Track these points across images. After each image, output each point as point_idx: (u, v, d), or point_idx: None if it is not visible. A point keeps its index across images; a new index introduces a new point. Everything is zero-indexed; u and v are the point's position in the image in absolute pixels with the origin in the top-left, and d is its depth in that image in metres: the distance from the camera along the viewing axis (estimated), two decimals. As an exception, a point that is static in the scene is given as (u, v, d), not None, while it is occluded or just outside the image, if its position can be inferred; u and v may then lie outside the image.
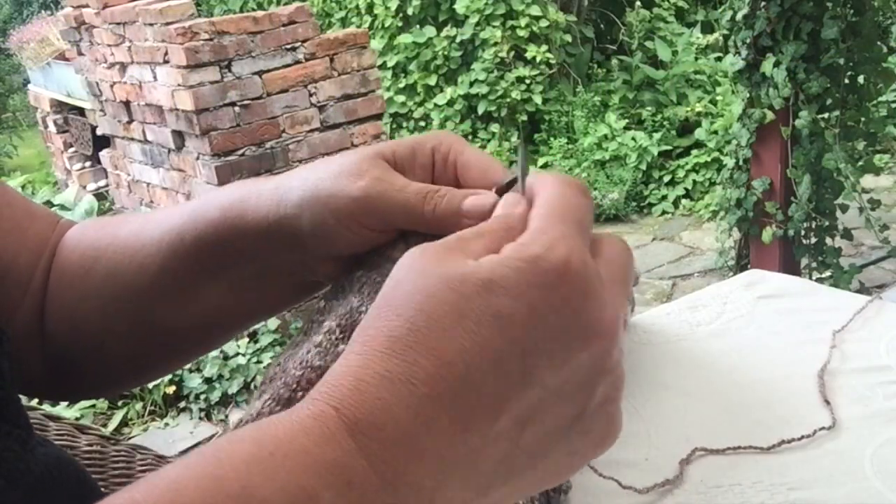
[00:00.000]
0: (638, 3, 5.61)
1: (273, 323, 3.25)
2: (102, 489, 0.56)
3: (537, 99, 5.33)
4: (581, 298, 0.32)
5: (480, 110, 5.33)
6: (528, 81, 5.31)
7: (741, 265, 3.15)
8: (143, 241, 0.51)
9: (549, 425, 0.33)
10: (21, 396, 0.45)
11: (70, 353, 0.54)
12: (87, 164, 5.28)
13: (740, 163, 3.02)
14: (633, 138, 4.87)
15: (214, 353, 3.09)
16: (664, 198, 4.70)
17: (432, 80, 5.45)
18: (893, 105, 3.91)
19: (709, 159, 4.71)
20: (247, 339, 3.24)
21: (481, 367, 0.31)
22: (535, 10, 5.30)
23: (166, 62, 3.41)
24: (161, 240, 0.50)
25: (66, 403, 2.82)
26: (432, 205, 0.41)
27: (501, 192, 0.41)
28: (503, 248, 0.34)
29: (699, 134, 4.88)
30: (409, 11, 5.52)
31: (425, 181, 0.44)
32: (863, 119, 2.78)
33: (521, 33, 5.30)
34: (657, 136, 4.91)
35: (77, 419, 2.04)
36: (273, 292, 0.50)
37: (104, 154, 4.67)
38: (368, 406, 0.30)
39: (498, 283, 0.31)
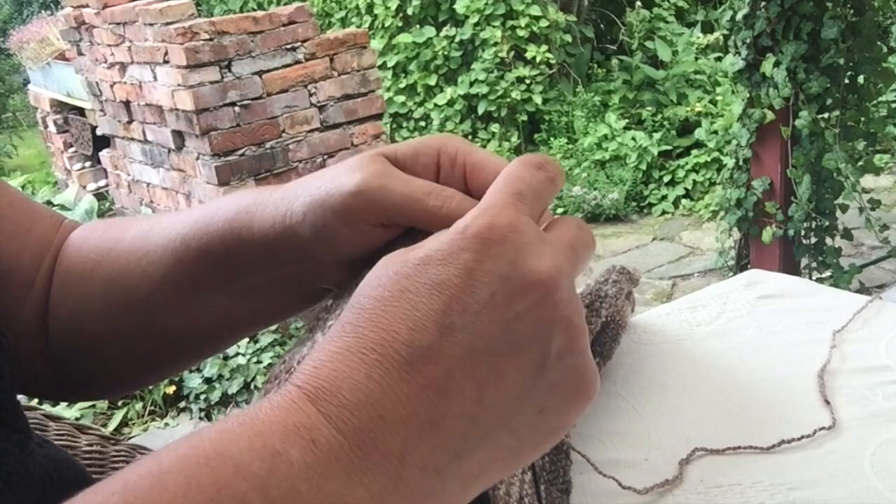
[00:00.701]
0: (638, 3, 5.61)
1: (273, 323, 3.25)
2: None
3: (537, 99, 5.33)
4: (513, 252, 0.34)
5: (480, 110, 5.33)
6: (528, 81, 5.31)
7: (741, 265, 3.16)
8: (148, 247, 0.50)
9: (508, 380, 0.34)
10: (20, 397, 0.45)
11: (73, 354, 0.54)
12: (87, 164, 5.28)
13: (740, 163, 3.02)
14: (633, 138, 4.87)
15: (214, 353, 3.09)
16: (664, 198, 4.70)
17: (432, 80, 5.45)
18: (893, 105, 3.91)
19: (709, 159, 4.71)
20: (247, 339, 3.24)
21: (424, 329, 0.32)
22: (535, 10, 5.31)
23: (166, 62, 3.41)
24: (165, 247, 0.49)
25: (66, 403, 2.82)
26: (440, 201, 0.42)
27: None
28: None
29: (699, 134, 4.88)
30: (409, 11, 5.52)
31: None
32: (863, 119, 2.78)
33: (521, 33, 5.30)
34: (657, 136, 4.91)
35: (77, 419, 2.04)
36: (280, 300, 0.50)
37: (104, 154, 4.67)
38: (324, 377, 0.32)
39: (433, 256, 0.34)
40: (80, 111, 5.07)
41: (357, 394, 0.31)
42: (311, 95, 3.55)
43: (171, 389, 3.10)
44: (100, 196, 5.01)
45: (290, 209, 0.45)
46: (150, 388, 3.08)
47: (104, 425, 3.01)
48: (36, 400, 0.63)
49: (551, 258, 0.35)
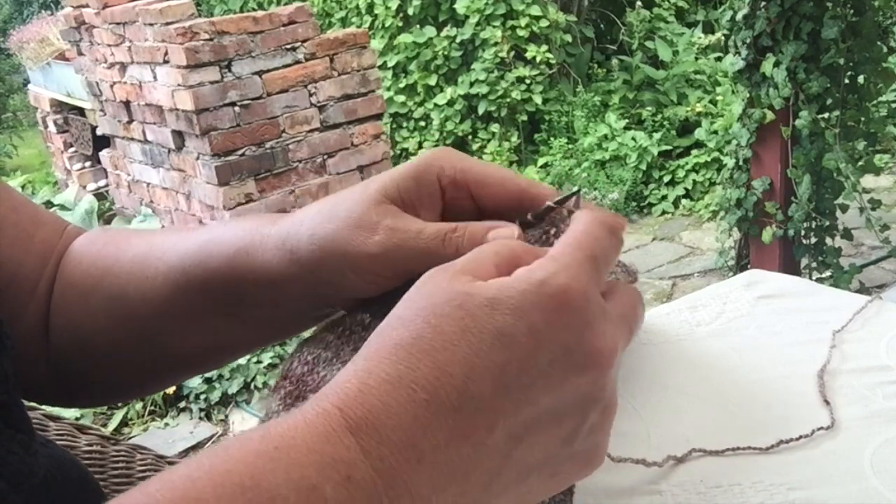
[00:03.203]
0: (638, 3, 5.61)
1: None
2: (103, 489, 0.56)
3: (537, 99, 5.33)
4: (581, 325, 0.34)
5: (480, 110, 5.33)
6: (528, 81, 5.31)
7: (741, 265, 3.15)
8: (147, 272, 0.50)
9: (540, 445, 0.34)
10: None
11: (74, 362, 0.54)
12: (87, 164, 5.28)
13: (740, 163, 3.02)
14: (633, 138, 4.87)
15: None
16: (664, 198, 4.70)
17: (432, 80, 5.45)
18: (893, 105, 3.91)
19: (709, 159, 4.71)
20: (247, 339, 3.24)
21: (481, 380, 0.32)
22: (535, 10, 5.30)
23: (166, 62, 3.41)
24: (166, 276, 0.49)
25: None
26: (454, 247, 0.41)
27: (537, 217, 0.41)
28: (514, 272, 0.35)
29: (699, 134, 4.87)
30: (410, 11, 5.52)
31: (436, 209, 0.43)
32: (863, 119, 2.78)
33: (521, 33, 5.30)
34: (657, 136, 4.91)
35: (77, 419, 2.04)
36: (287, 324, 0.50)
37: (104, 154, 4.67)
38: (369, 406, 0.31)
39: (502, 302, 0.33)
40: (80, 111, 5.07)
41: (400, 433, 0.31)
42: (311, 95, 3.55)
43: (172, 389, 3.10)
44: (100, 196, 5.01)
45: (294, 257, 0.44)
46: (150, 388, 3.07)
47: (104, 425, 3.01)
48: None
49: (612, 338, 0.35)
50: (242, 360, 3.13)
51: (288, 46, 3.46)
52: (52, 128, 5.45)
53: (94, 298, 0.52)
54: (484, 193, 0.43)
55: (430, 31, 5.46)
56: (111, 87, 4.07)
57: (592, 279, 0.35)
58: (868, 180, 3.09)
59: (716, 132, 4.63)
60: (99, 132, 4.60)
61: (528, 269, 0.34)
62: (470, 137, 5.42)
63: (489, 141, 5.35)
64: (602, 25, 6.14)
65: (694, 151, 4.85)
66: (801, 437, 0.59)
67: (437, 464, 0.31)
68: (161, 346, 0.51)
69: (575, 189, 0.41)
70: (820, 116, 2.77)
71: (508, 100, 5.27)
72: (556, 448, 0.35)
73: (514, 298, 0.33)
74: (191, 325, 0.50)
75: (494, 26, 5.28)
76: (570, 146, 5.12)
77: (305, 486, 0.29)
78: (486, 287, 0.34)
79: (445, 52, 5.39)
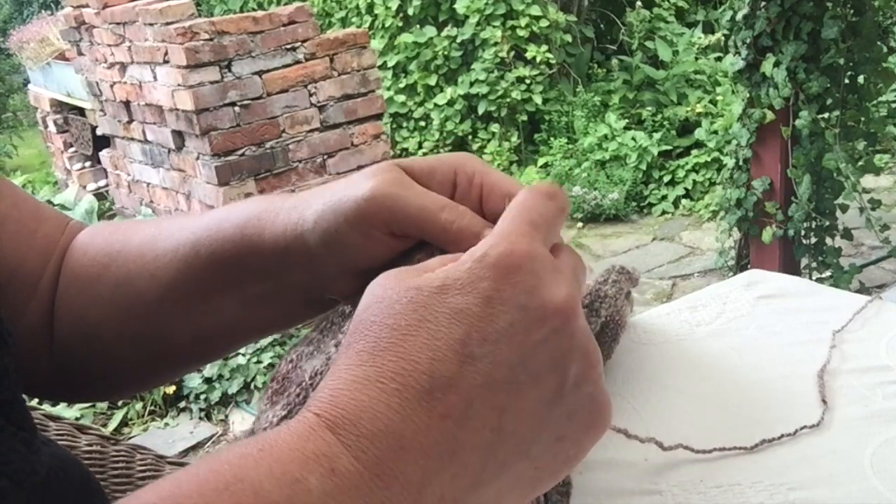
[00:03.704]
0: (638, 3, 5.61)
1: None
2: (104, 489, 0.56)
3: (537, 99, 5.33)
4: (530, 282, 0.34)
5: (480, 110, 5.33)
6: (528, 81, 5.31)
7: (741, 265, 3.16)
8: (157, 251, 0.50)
9: (527, 410, 0.34)
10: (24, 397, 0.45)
11: (78, 356, 0.54)
12: (87, 164, 5.28)
13: (740, 163, 3.02)
14: (633, 138, 4.87)
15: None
16: (664, 198, 4.70)
17: (432, 80, 5.45)
18: (893, 105, 3.91)
19: (709, 159, 4.71)
20: (247, 339, 3.24)
21: (445, 358, 0.32)
22: (535, 10, 5.30)
23: (166, 62, 3.41)
24: (175, 251, 0.49)
25: (65, 403, 2.82)
26: (453, 216, 0.41)
27: None
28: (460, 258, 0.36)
29: (699, 134, 4.87)
30: (410, 11, 5.52)
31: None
32: (863, 119, 2.78)
33: (521, 33, 5.30)
34: (657, 136, 4.91)
35: (77, 419, 2.04)
36: (287, 309, 0.50)
37: (104, 154, 4.67)
38: (343, 406, 0.32)
39: (451, 284, 0.34)
40: (80, 111, 5.07)
41: (377, 423, 0.31)
42: (311, 95, 3.55)
43: (171, 389, 3.10)
44: (100, 196, 5.01)
45: (301, 217, 0.45)
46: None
47: (104, 425, 3.01)
48: (36, 400, 0.63)
49: (567, 287, 0.35)
50: (242, 360, 3.13)
51: (288, 46, 3.46)
52: (52, 128, 5.45)
53: (101, 286, 0.52)
54: (492, 198, 0.44)
55: (430, 30, 5.46)
56: (111, 87, 4.07)
57: (535, 240, 0.36)
58: (868, 180, 3.09)
59: (716, 132, 4.63)
60: (99, 132, 4.60)
61: (471, 250, 0.35)
62: (470, 137, 5.42)
63: (489, 141, 5.35)
64: (602, 25, 6.14)
65: (694, 151, 4.85)
66: (782, 435, 0.59)
67: (423, 448, 0.31)
68: (163, 331, 0.52)
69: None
70: (820, 116, 2.77)
71: (508, 100, 5.27)
72: (547, 409, 0.34)
73: (462, 277, 0.34)
74: (195, 304, 0.50)
75: (494, 26, 5.28)
76: (570, 146, 5.12)
77: (289, 480, 0.30)
78: (433, 276, 0.35)
79: (445, 52, 5.39)
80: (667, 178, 4.78)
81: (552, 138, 5.27)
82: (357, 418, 0.31)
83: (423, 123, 5.54)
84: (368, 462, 0.31)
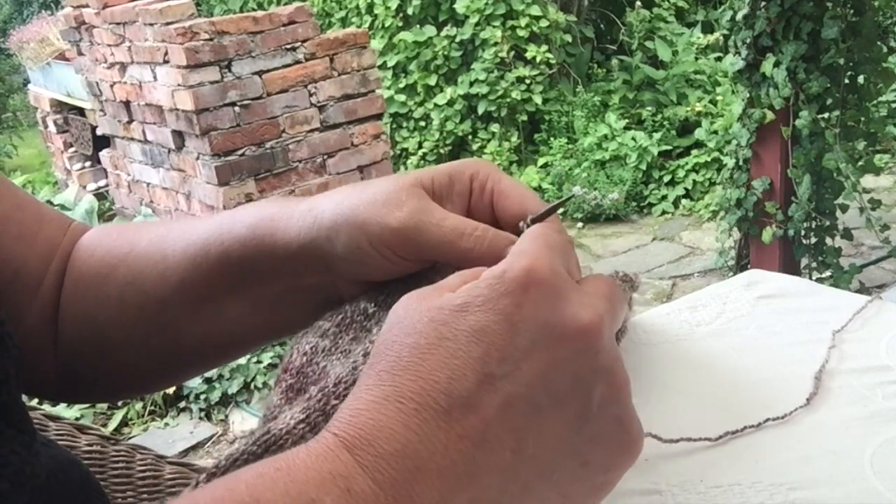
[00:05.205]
0: (638, 3, 5.61)
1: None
2: (104, 490, 0.56)
3: (537, 99, 5.33)
4: (553, 298, 0.33)
5: (480, 110, 5.33)
6: (528, 81, 5.31)
7: (741, 265, 3.16)
8: (166, 251, 0.50)
9: (548, 432, 0.33)
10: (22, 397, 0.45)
11: (83, 357, 0.53)
12: (87, 164, 5.28)
13: (740, 163, 3.02)
14: (633, 138, 4.87)
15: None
16: (664, 198, 4.70)
17: (432, 80, 5.45)
18: (893, 105, 3.91)
19: (709, 159, 4.71)
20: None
21: (464, 377, 0.32)
22: (535, 10, 5.30)
23: (166, 62, 3.41)
24: (185, 251, 0.49)
25: (65, 404, 2.82)
26: (472, 244, 0.41)
27: (536, 221, 0.42)
28: (480, 275, 0.35)
29: (699, 134, 4.87)
30: (409, 11, 5.52)
31: (462, 209, 0.45)
32: (863, 119, 2.78)
33: (521, 33, 5.30)
34: (657, 136, 4.91)
35: (77, 419, 2.04)
36: (295, 311, 0.50)
37: (104, 154, 4.67)
38: (361, 426, 0.31)
39: (471, 303, 0.33)
40: (80, 111, 5.07)
41: (394, 444, 0.31)
42: (311, 95, 3.55)
43: (172, 389, 3.10)
44: (100, 196, 5.01)
45: (317, 222, 0.45)
46: (150, 388, 3.07)
47: (104, 425, 3.01)
48: (36, 400, 0.63)
49: (592, 306, 0.34)
50: (242, 360, 3.13)
51: (288, 46, 3.46)
52: (52, 128, 5.45)
53: (109, 286, 0.52)
54: (503, 203, 0.44)
55: (430, 30, 5.46)
56: (111, 87, 4.07)
57: (555, 259, 0.35)
58: (868, 180, 3.08)
59: (716, 132, 4.63)
60: (99, 132, 4.60)
61: (491, 268, 0.35)
62: (470, 137, 5.42)
63: (489, 141, 5.35)
64: (602, 25, 6.14)
65: (694, 151, 4.85)
66: (745, 427, 0.59)
67: (440, 469, 0.31)
68: (171, 333, 0.51)
69: (567, 196, 0.42)
70: (820, 116, 2.77)
71: (508, 100, 5.27)
72: (569, 431, 0.33)
73: (482, 295, 0.33)
74: (203, 306, 0.50)
75: (494, 26, 5.28)
76: (570, 146, 5.12)
77: (304, 501, 0.29)
78: (454, 296, 0.34)
79: (445, 52, 5.39)
80: (667, 178, 4.78)
81: (552, 138, 5.27)
82: (374, 438, 0.31)
83: (422, 123, 5.54)
84: (385, 483, 0.30)
